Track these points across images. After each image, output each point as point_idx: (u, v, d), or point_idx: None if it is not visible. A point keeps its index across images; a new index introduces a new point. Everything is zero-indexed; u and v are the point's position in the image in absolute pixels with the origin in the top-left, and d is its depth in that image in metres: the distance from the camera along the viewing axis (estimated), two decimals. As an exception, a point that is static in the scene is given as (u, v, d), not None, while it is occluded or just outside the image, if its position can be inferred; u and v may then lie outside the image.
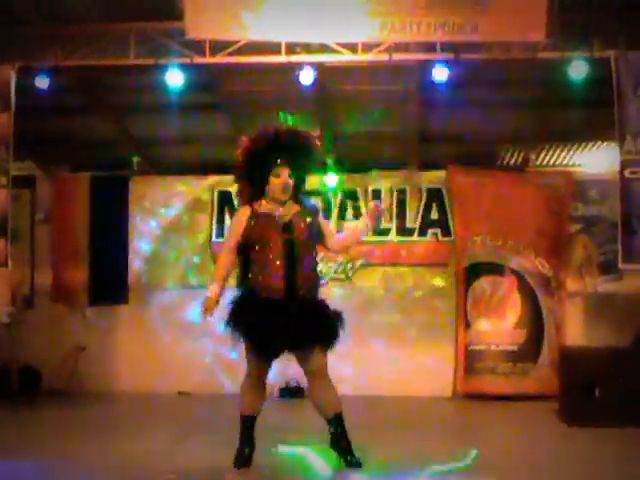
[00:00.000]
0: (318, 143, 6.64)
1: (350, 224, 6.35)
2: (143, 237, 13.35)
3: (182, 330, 12.98)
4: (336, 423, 6.35)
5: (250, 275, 6.26)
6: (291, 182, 6.30)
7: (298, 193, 6.45)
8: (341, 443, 6.34)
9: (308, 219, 6.32)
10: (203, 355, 12.86)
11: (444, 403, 12.02)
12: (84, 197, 12.96)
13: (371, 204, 6.42)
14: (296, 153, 6.37)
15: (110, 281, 12.85)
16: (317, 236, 6.37)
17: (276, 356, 6.30)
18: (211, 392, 12.24)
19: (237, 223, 6.35)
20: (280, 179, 6.27)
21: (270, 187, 6.30)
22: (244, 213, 6.33)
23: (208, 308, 6.26)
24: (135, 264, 13.23)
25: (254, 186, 6.37)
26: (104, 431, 8.91)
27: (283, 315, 6.08)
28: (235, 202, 12.49)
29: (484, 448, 7.60)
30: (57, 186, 13.20)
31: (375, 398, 11.50)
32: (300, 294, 6.14)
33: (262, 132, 6.47)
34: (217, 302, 6.29)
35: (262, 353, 6.22)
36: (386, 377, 12.45)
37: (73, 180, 13.22)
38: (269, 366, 6.38)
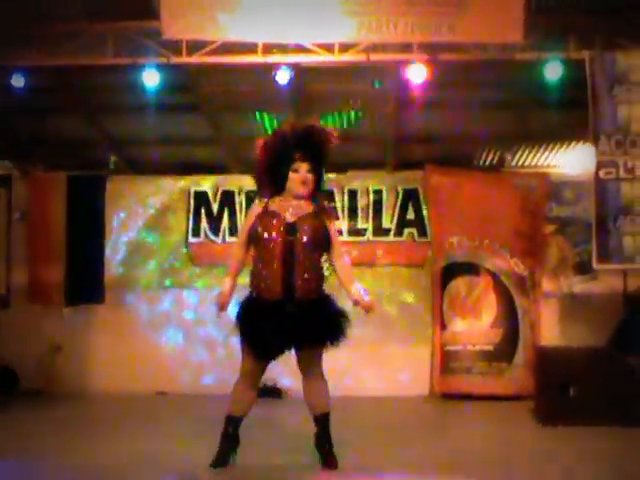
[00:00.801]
0: (336, 140, 6.60)
1: (350, 282, 6.26)
2: (119, 237, 13.32)
3: (159, 330, 13.00)
4: (321, 422, 6.40)
5: (254, 273, 6.29)
6: (310, 177, 6.30)
7: (316, 192, 6.43)
8: (323, 443, 6.39)
9: (317, 222, 6.28)
10: (180, 355, 12.86)
11: (420, 403, 12.04)
12: (61, 197, 12.91)
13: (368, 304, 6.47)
14: (314, 149, 6.36)
15: (87, 281, 12.81)
16: (324, 242, 6.34)
17: (271, 358, 6.31)
18: (189, 392, 12.24)
19: (248, 218, 6.42)
20: (299, 174, 6.28)
21: (289, 183, 6.30)
22: (255, 209, 6.37)
23: (221, 303, 6.31)
24: (112, 264, 13.19)
25: (274, 183, 6.38)
26: (82, 431, 8.89)
27: (278, 316, 6.09)
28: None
29: (460, 447, 7.64)
30: (33, 185, 13.13)
31: (352, 398, 11.49)
32: (297, 296, 6.13)
33: (280, 129, 6.54)
34: (230, 296, 6.33)
35: (256, 354, 6.23)
36: (362, 377, 12.48)
37: (50, 179, 13.15)
38: (263, 368, 6.39)
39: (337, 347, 6.37)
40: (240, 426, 6.43)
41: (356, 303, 6.37)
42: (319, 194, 6.48)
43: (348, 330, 6.37)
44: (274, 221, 6.19)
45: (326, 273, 6.45)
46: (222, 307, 6.31)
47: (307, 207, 6.31)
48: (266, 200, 6.35)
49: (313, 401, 6.44)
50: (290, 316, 6.09)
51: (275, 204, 6.30)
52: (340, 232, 12.43)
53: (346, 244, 12.52)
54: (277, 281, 6.12)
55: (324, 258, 6.44)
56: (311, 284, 6.22)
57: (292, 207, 6.27)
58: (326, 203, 6.69)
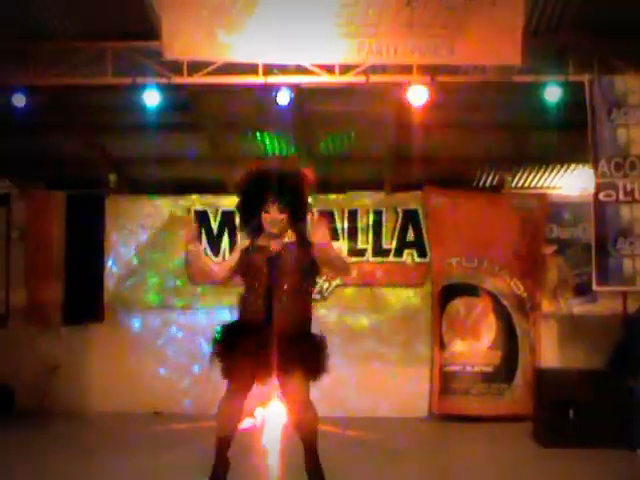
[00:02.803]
0: (309, 182, 6.68)
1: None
2: (119, 256, 13.29)
3: (157, 350, 12.97)
4: (307, 450, 6.38)
5: (240, 302, 6.42)
6: (280, 217, 6.33)
7: (299, 226, 6.49)
8: (311, 467, 6.38)
9: (301, 249, 6.34)
10: (179, 375, 12.83)
11: (419, 424, 12.02)
12: (60, 215, 12.90)
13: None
14: (286, 191, 6.39)
15: (85, 300, 12.79)
16: (311, 269, 6.40)
17: (248, 379, 6.32)
18: (187, 412, 12.21)
19: (234, 253, 6.60)
20: (269, 215, 6.34)
21: (262, 222, 6.38)
22: (242, 245, 6.55)
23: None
24: (110, 283, 13.17)
25: (250, 221, 6.48)
26: (79, 451, 8.89)
27: (257, 341, 6.14)
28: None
29: (458, 469, 7.63)
30: (33, 204, 13.12)
31: (350, 419, 11.48)
32: (280, 324, 6.16)
33: (251, 170, 6.59)
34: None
35: (234, 375, 6.26)
36: (361, 398, 12.46)
37: (49, 198, 13.15)
38: (246, 390, 6.39)
39: (316, 380, 6.34)
40: (229, 446, 6.42)
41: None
42: (302, 227, 6.55)
43: (326, 364, 6.35)
44: (260, 255, 6.32)
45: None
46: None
47: (290, 237, 6.41)
48: (251, 238, 6.48)
49: (299, 429, 6.42)
50: (268, 343, 6.10)
51: (260, 240, 6.42)
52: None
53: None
54: (261, 308, 6.20)
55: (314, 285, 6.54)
56: (296, 316, 6.30)
57: (277, 240, 6.36)
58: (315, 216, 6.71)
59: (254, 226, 6.47)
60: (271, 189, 6.36)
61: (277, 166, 6.70)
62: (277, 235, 6.36)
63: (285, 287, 6.24)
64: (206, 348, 12.49)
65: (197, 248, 6.64)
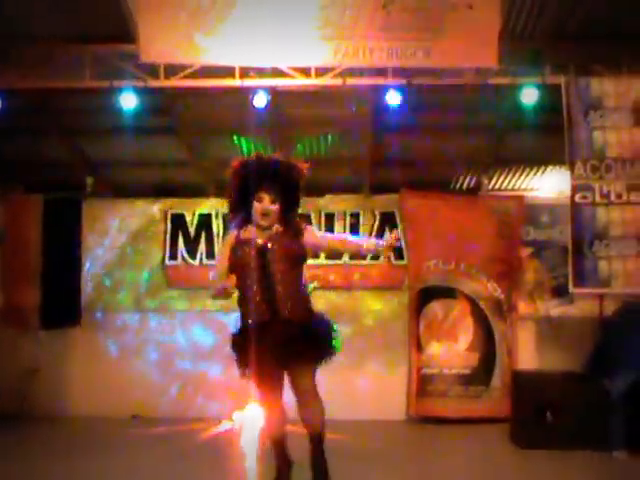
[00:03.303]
0: (305, 172, 6.66)
1: (359, 239, 6.39)
2: (96, 259, 13.24)
3: (135, 353, 12.94)
4: (316, 442, 6.40)
5: (239, 301, 6.43)
6: (272, 207, 6.35)
7: (288, 217, 6.51)
8: (316, 463, 6.41)
9: (288, 239, 6.39)
10: (157, 378, 12.80)
11: (397, 426, 12.02)
12: (37, 218, 12.85)
13: (393, 236, 6.31)
14: (279, 180, 6.43)
15: (63, 304, 12.74)
16: (301, 257, 6.44)
17: (276, 377, 6.36)
18: (165, 415, 12.19)
19: (223, 249, 6.53)
20: (261, 204, 6.35)
21: (253, 212, 6.39)
22: (228, 241, 6.49)
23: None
24: (88, 287, 13.13)
25: (242, 212, 6.50)
26: (57, 454, 8.87)
27: (268, 337, 6.17)
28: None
29: (435, 471, 7.64)
30: (9, 207, 13.06)
31: (327, 421, 11.48)
32: (283, 315, 6.20)
33: (246, 160, 6.59)
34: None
35: (259, 378, 6.30)
36: (338, 400, 12.40)
37: (26, 201, 13.09)
38: (278, 389, 6.45)
39: (329, 362, 6.43)
40: (285, 445, 6.54)
41: (389, 247, 6.31)
42: (291, 220, 6.55)
43: (338, 344, 6.38)
44: (248, 249, 6.31)
45: (310, 287, 6.51)
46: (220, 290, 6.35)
47: (278, 229, 6.42)
48: (237, 231, 6.46)
49: (308, 420, 6.44)
50: (279, 335, 6.11)
51: (247, 233, 6.42)
52: (317, 255, 12.48)
53: (323, 268, 12.62)
54: (261, 303, 6.22)
55: (306, 273, 6.54)
56: (294, 301, 6.31)
57: (265, 233, 6.38)
58: (297, 222, 6.70)
59: (241, 217, 6.48)
60: (263, 178, 6.38)
61: (272, 157, 6.65)
62: (266, 228, 6.38)
63: (278, 277, 6.25)
64: (185, 351, 12.69)
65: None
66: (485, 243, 12.43)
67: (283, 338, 6.14)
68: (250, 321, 6.27)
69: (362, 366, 12.64)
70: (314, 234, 6.63)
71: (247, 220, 6.46)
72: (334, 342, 6.39)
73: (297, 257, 6.41)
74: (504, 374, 12.08)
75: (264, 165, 6.48)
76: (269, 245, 6.30)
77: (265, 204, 6.33)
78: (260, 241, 6.32)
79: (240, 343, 6.33)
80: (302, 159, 6.76)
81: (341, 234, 6.71)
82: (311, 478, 6.41)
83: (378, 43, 9.62)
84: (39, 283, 12.75)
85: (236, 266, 6.33)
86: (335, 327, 6.44)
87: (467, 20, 9.61)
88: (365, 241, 6.58)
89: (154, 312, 13.12)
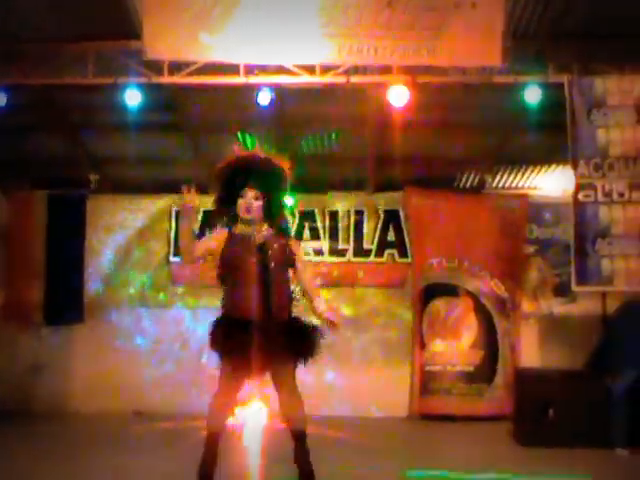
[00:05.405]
0: (287, 169, 6.72)
1: (316, 299, 6.45)
2: (100, 256, 13.26)
3: (138, 349, 12.96)
4: (299, 438, 6.44)
5: (226, 294, 6.43)
6: (256, 203, 6.41)
7: (272, 216, 6.55)
8: (301, 459, 6.43)
9: (282, 241, 6.46)
10: (160, 374, 12.81)
11: (400, 423, 12.04)
12: (41, 215, 12.89)
13: (332, 321, 6.39)
14: (264, 178, 6.49)
15: (66, 300, 12.77)
16: (290, 261, 6.50)
17: (248, 375, 6.38)
18: (167, 411, 12.20)
19: (213, 236, 6.64)
20: (244, 199, 6.40)
21: (237, 208, 6.44)
22: (222, 233, 6.53)
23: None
24: (92, 283, 13.16)
25: (228, 209, 6.54)
26: (60, 450, 8.88)
27: (257, 333, 6.17)
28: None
29: (438, 468, 7.64)
30: (14, 204, 13.10)
31: (330, 418, 11.49)
32: (272, 314, 6.23)
33: (229, 158, 6.63)
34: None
35: (234, 371, 6.30)
36: (341, 397, 12.48)
37: (30, 198, 13.12)
38: (240, 385, 6.47)
39: (310, 363, 6.44)
40: (218, 442, 6.45)
41: (320, 317, 6.43)
42: (277, 219, 6.61)
43: (320, 345, 6.42)
44: (244, 243, 6.37)
45: (297, 297, 6.56)
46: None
47: (267, 229, 6.50)
48: (228, 227, 6.53)
49: (290, 417, 6.48)
50: (265, 334, 6.15)
51: (238, 229, 6.47)
52: (321, 252, 12.52)
53: (327, 265, 12.65)
54: (253, 301, 6.24)
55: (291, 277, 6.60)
56: (284, 302, 6.39)
57: (256, 231, 6.44)
58: (283, 224, 6.79)
59: (230, 216, 6.54)
60: (247, 174, 6.45)
61: (254, 155, 6.72)
62: (250, 221, 6.42)
63: (272, 276, 6.30)
64: (188, 348, 12.70)
65: (190, 218, 6.58)
66: (489, 241, 12.44)
67: (267, 335, 6.17)
68: (237, 316, 6.31)
69: (365, 363, 12.66)
70: (300, 250, 6.73)
71: (233, 219, 6.54)
72: (316, 343, 6.41)
73: (288, 260, 6.48)
74: (507, 372, 12.09)
75: (246, 163, 6.55)
76: (267, 245, 6.38)
77: (248, 199, 6.40)
78: (257, 239, 6.39)
79: (222, 331, 6.36)
80: (285, 156, 6.80)
81: (313, 283, 6.72)
82: (298, 474, 6.42)
83: (382, 41, 9.63)
84: (43, 279, 12.78)
85: (230, 260, 6.38)
86: (317, 329, 6.47)
87: (471, 19, 9.64)
88: (318, 303, 6.57)
89: (158, 309, 13.13)
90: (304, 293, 6.65)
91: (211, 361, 6.56)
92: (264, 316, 6.22)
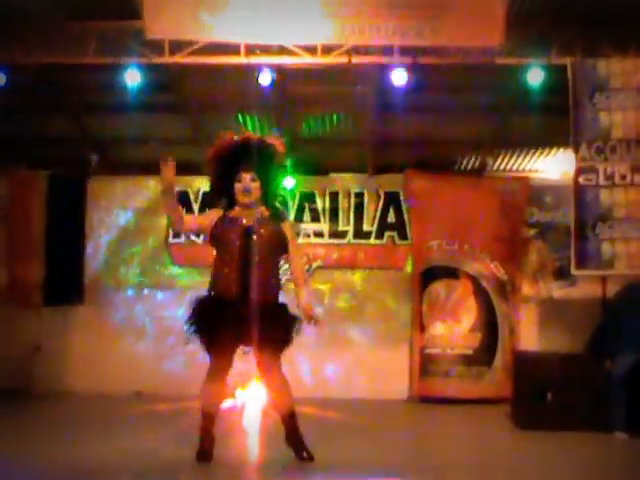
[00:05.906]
0: (283, 150, 6.73)
1: (301, 294, 6.50)
2: (100, 237, 13.26)
3: (138, 330, 12.97)
4: (288, 421, 6.46)
5: (212, 273, 6.54)
6: (252, 186, 6.45)
7: (268, 198, 6.63)
8: (294, 439, 6.48)
9: (273, 225, 6.51)
10: (159, 355, 12.81)
11: (399, 406, 12.04)
12: (41, 196, 12.85)
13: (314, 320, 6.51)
14: (259, 159, 6.52)
15: (66, 281, 12.77)
16: (281, 245, 6.54)
17: (229, 353, 6.41)
18: (167, 392, 12.20)
19: (206, 214, 6.81)
20: (241, 183, 6.43)
21: (235, 192, 6.49)
22: (216, 212, 6.61)
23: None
24: (91, 263, 13.15)
25: (223, 193, 6.60)
26: (60, 431, 8.88)
27: (233, 314, 6.25)
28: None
29: (437, 450, 7.65)
30: (14, 184, 13.05)
31: (330, 400, 11.50)
32: (253, 297, 6.25)
33: (224, 140, 6.63)
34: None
35: (214, 350, 6.36)
36: (341, 379, 12.49)
37: (30, 178, 13.08)
38: (228, 364, 6.49)
39: (286, 349, 6.50)
40: (214, 422, 6.50)
41: (300, 309, 6.52)
42: (273, 202, 6.74)
43: (298, 334, 6.50)
44: (233, 225, 6.45)
45: (283, 279, 6.61)
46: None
47: (263, 212, 6.55)
48: (223, 209, 6.59)
49: (277, 401, 6.56)
50: (244, 315, 6.20)
51: (233, 212, 6.53)
52: (321, 234, 12.52)
53: (327, 247, 12.64)
54: (235, 281, 6.33)
55: (282, 262, 6.63)
56: (267, 287, 6.44)
57: (249, 213, 6.49)
58: (279, 207, 6.84)
59: (226, 199, 6.59)
60: (241, 157, 6.49)
61: (247, 137, 6.73)
62: (249, 204, 6.46)
63: (257, 259, 6.35)
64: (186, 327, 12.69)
65: (172, 186, 6.61)
66: (489, 224, 12.41)
67: (249, 318, 6.20)
68: (220, 295, 6.38)
69: (365, 346, 12.68)
70: (291, 230, 6.77)
71: (229, 202, 6.58)
72: (295, 328, 6.45)
73: (278, 246, 6.54)
74: (506, 355, 12.08)
75: (240, 146, 6.59)
76: (255, 227, 6.43)
77: (245, 182, 6.44)
78: (246, 221, 6.44)
79: (205, 312, 6.38)
80: (281, 137, 6.83)
81: (302, 271, 6.79)
82: (294, 455, 6.46)
83: (383, 21, 9.60)
84: (42, 260, 12.75)
85: (218, 240, 6.46)
86: (297, 317, 6.49)
87: (473, -1, 9.62)
88: (301, 294, 6.59)
89: (157, 289, 13.14)
90: (292, 279, 6.70)
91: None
92: (243, 297, 6.29)
